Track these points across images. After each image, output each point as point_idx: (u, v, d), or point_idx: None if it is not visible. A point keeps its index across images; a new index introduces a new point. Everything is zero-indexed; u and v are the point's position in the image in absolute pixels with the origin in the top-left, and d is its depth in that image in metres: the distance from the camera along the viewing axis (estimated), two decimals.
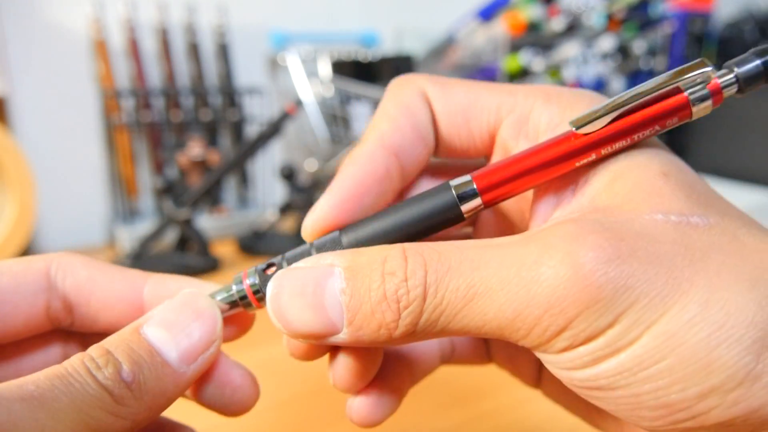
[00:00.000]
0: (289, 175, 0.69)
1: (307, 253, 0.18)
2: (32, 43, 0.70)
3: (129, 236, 0.69)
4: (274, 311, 0.17)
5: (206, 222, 0.74)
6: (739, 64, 0.16)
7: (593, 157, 0.17)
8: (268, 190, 0.85)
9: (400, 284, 0.15)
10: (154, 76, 0.77)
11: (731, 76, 0.16)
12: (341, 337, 0.16)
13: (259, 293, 0.19)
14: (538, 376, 0.23)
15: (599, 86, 0.91)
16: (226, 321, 0.19)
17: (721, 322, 0.13)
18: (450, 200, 0.17)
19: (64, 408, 0.14)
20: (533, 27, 0.84)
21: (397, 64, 0.83)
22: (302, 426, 0.38)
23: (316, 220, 0.19)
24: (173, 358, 0.17)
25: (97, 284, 0.20)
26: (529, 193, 0.19)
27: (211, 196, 0.78)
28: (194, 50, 0.77)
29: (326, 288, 0.16)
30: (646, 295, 0.14)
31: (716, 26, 1.10)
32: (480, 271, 0.15)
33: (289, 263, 0.18)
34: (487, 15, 0.85)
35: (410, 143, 0.19)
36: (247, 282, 0.19)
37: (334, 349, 0.19)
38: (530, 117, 0.19)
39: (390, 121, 0.19)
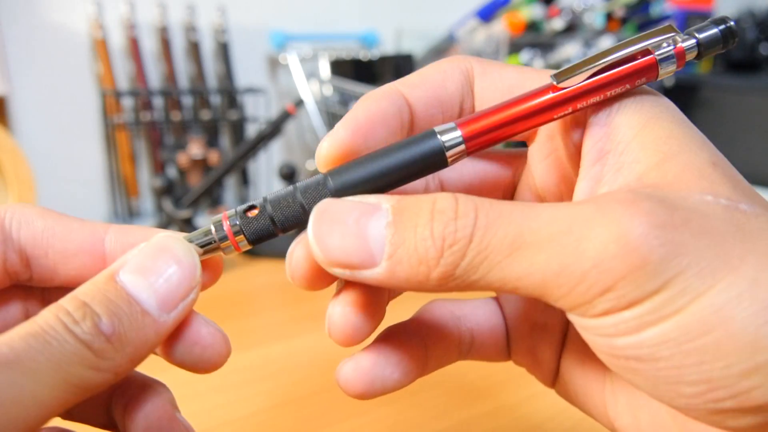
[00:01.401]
0: (289, 175, 0.69)
1: (290, 195, 0.18)
2: (32, 43, 0.70)
3: None
4: (315, 234, 0.16)
5: (206, 222, 0.74)
6: (699, 31, 0.17)
7: (570, 110, 0.18)
8: (268, 190, 0.85)
9: (449, 222, 0.15)
10: (154, 76, 0.77)
11: (693, 41, 0.17)
12: (377, 271, 0.16)
13: (240, 235, 0.18)
14: (555, 372, 0.23)
15: None
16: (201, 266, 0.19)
17: None
18: (436, 146, 0.18)
19: (42, 368, 0.14)
20: (533, 27, 0.84)
21: (397, 64, 0.83)
22: (302, 426, 0.38)
23: (332, 145, 0.18)
24: (152, 306, 0.16)
25: (54, 235, 0.19)
26: (569, 177, 0.20)
27: (211, 196, 0.78)
28: (194, 50, 0.77)
29: (371, 220, 0.16)
30: (697, 265, 0.14)
31: None
32: (531, 221, 0.15)
33: (272, 205, 0.18)
34: (487, 15, 0.85)
35: (426, 100, 0.20)
36: (227, 224, 0.18)
37: (336, 293, 0.19)
38: None
39: (417, 77, 0.20)
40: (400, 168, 0.18)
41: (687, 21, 1.03)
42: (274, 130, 0.63)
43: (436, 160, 0.18)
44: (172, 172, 0.75)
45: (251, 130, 0.80)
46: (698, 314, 0.13)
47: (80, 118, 0.74)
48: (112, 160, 0.72)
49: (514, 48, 0.84)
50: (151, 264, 0.17)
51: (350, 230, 0.16)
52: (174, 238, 0.18)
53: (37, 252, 0.19)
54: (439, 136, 0.18)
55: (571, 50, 0.83)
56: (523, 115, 0.18)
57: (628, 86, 0.17)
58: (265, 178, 0.84)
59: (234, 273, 0.65)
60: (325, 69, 0.80)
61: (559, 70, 0.18)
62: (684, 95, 0.99)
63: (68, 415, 0.20)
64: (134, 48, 0.73)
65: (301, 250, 0.18)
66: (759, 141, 0.91)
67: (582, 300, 0.14)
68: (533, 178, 0.21)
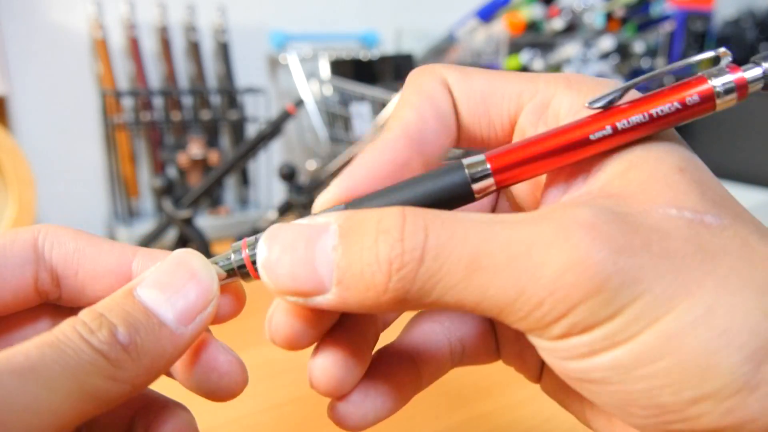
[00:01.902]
0: (289, 175, 0.69)
1: None
2: (32, 43, 0.70)
3: (129, 236, 0.69)
4: (264, 264, 0.16)
5: (206, 222, 0.74)
6: (766, 59, 0.15)
7: (615, 144, 0.16)
8: (268, 190, 0.85)
9: (395, 244, 0.14)
10: (154, 76, 0.77)
11: (760, 71, 0.15)
12: (328, 298, 0.15)
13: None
14: (540, 370, 0.23)
15: None
16: (222, 291, 0.19)
17: (723, 327, 0.13)
18: (462, 179, 0.17)
19: (57, 377, 0.14)
20: (533, 27, 0.84)
21: (397, 64, 0.83)
22: (302, 426, 0.38)
23: (327, 200, 0.18)
24: (170, 318, 0.16)
25: (85, 256, 0.19)
26: (543, 179, 0.19)
27: (211, 196, 0.77)
28: (194, 50, 0.77)
29: (318, 244, 0.15)
30: (652, 292, 0.13)
31: (716, 25, 1.10)
32: (487, 243, 0.14)
33: None
34: (487, 15, 0.85)
35: (433, 132, 0.19)
36: (247, 252, 0.18)
37: (317, 346, 0.19)
38: (551, 103, 0.18)
39: (413, 110, 0.19)
40: (423, 201, 0.17)
41: (687, 21, 1.03)
42: (274, 130, 0.63)
43: (462, 194, 0.17)
44: (172, 172, 0.75)
45: (251, 130, 0.80)
46: (651, 341, 0.13)
47: (80, 118, 0.74)
48: (112, 160, 0.72)
49: (514, 48, 0.84)
50: (169, 278, 0.17)
51: (299, 257, 0.15)
52: (191, 253, 0.18)
53: (67, 272, 0.19)
54: (466, 170, 0.17)
55: (571, 50, 0.83)
56: (558, 148, 0.17)
57: (678, 105, 0.16)
58: (265, 178, 0.84)
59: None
60: (325, 69, 0.80)
61: (594, 98, 0.16)
62: None
63: None
64: (134, 48, 0.73)
65: (280, 315, 0.18)
66: (759, 141, 0.90)
67: (538, 325, 0.14)
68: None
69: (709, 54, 0.16)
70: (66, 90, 0.72)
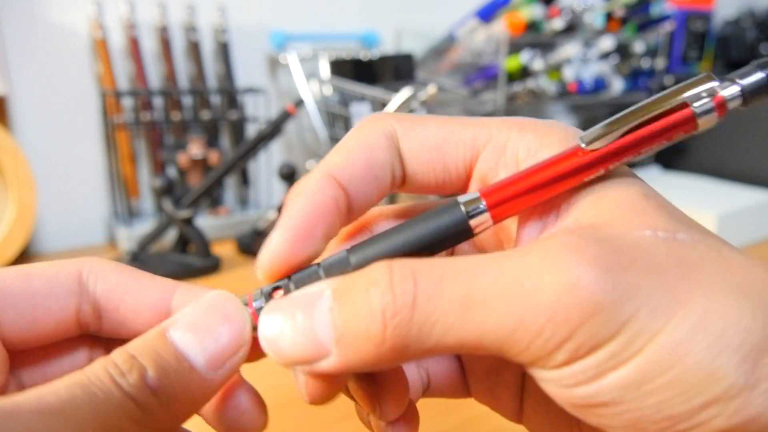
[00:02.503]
0: (289, 175, 0.69)
1: (314, 274, 0.18)
2: (32, 43, 0.70)
3: (129, 236, 0.69)
4: (265, 341, 0.17)
5: (206, 222, 0.74)
6: (742, 77, 0.16)
7: (602, 171, 0.17)
8: (268, 190, 0.85)
9: (384, 292, 0.15)
10: (154, 76, 0.77)
11: (737, 89, 0.16)
12: (331, 360, 0.15)
13: None
14: (519, 409, 0.22)
15: (599, 86, 0.91)
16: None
17: (720, 331, 0.13)
18: (459, 217, 0.17)
19: (86, 418, 0.14)
20: (533, 27, 0.84)
21: (397, 64, 0.83)
22: (302, 426, 0.38)
23: (271, 257, 0.18)
24: (200, 363, 0.16)
25: (127, 290, 0.19)
26: (507, 223, 0.20)
27: (211, 196, 0.78)
28: (194, 50, 0.77)
29: (315, 309, 0.16)
30: (648, 305, 0.14)
31: (716, 25, 1.10)
32: (477, 279, 0.14)
33: (297, 286, 0.18)
34: (487, 15, 0.85)
35: (361, 179, 0.19)
36: (255, 305, 0.18)
37: (359, 389, 0.19)
38: (507, 147, 0.19)
39: (344, 154, 0.19)
40: (422, 241, 0.17)
41: (687, 21, 1.03)
42: (274, 130, 0.63)
43: (460, 232, 0.18)
44: (172, 172, 0.75)
45: (251, 130, 0.80)
46: (655, 354, 0.14)
47: (80, 118, 0.74)
48: (112, 160, 0.72)
49: (514, 48, 0.84)
50: (202, 321, 0.17)
51: (297, 326, 0.16)
52: (226, 296, 0.18)
53: (109, 306, 0.19)
54: (462, 207, 0.17)
55: (571, 50, 0.83)
56: (550, 179, 0.17)
57: (664, 142, 0.17)
58: (265, 178, 0.84)
59: (234, 272, 0.65)
60: (325, 69, 0.80)
61: (586, 132, 0.17)
62: None
63: None
64: (134, 48, 0.73)
65: (303, 377, 0.18)
66: (759, 141, 0.90)
67: (541, 353, 0.14)
68: None
69: (695, 87, 0.16)
70: (66, 90, 0.72)
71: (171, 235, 0.66)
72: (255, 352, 0.19)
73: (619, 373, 0.14)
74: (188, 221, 0.63)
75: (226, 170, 0.63)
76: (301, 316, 0.16)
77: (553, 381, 0.15)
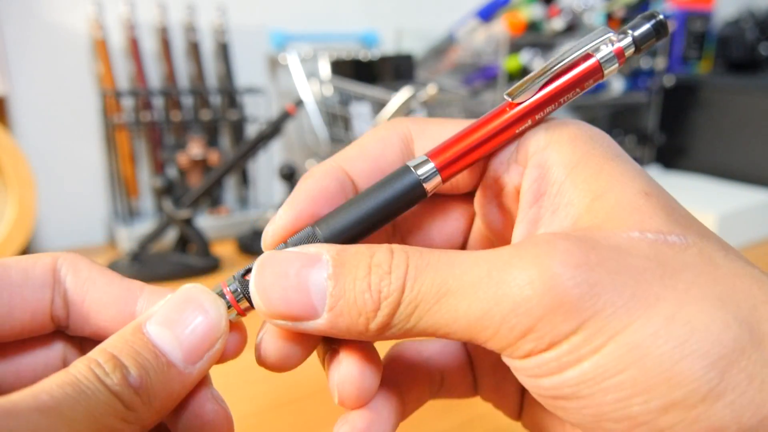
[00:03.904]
0: (289, 175, 0.69)
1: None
2: (32, 43, 0.70)
3: (129, 236, 0.69)
4: (257, 289, 0.17)
5: (206, 222, 0.74)
6: (633, 28, 0.18)
7: (529, 122, 0.19)
8: (268, 190, 0.85)
9: (383, 276, 0.16)
10: (154, 76, 0.77)
11: (629, 39, 0.18)
12: (319, 323, 0.16)
13: (243, 299, 0.19)
14: (519, 407, 0.23)
15: (599, 86, 0.91)
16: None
17: (685, 336, 0.13)
18: (413, 181, 0.19)
19: (79, 417, 0.14)
20: (533, 27, 0.84)
21: (397, 64, 0.83)
22: (302, 426, 0.38)
23: (276, 230, 0.19)
24: (178, 358, 0.17)
25: (95, 285, 0.19)
26: (513, 222, 0.20)
27: (211, 196, 0.78)
28: (194, 50, 0.77)
29: (312, 272, 0.16)
30: (612, 305, 0.14)
31: (716, 25, 1.10)
32: (453, 269, 0.15)
33: None
34: (487, 15, 0.85)
35: (369, 171, 0.20)
36: (229, 290, 0.19)
37: (332, 356, 0.19)
38: (519, 144, 0.19)
39: (357, 149, 0.20)
40: (383, 207, 0.19)
41: (687, 21, 1.03)
42: (274, 130, 0.63)
43: (416, 194, 0.19)
44: (172, 172, 0.75)
45: (251, 130, 0.80)
46: (615, 353, 0.14)
47: (80, 118, 0.74)
48: (112, 160, 0.72)
49: (514, 48, 0.84)
50: (177, 315, 0.17)
51: (292, 282, 0.16)
52: (200, 289, 0.18)
53: (76, 298, 0.19)
54: (414, 171, 0.19)
55: None
56: (487, 137, 0.19)
57: (578, 90, 0.18)
58: (265, 178, 0.84)
59: (234, 272, 0.65)
60: (325, 69, 0.80)
61: (511, 88, 0.19)
62: (684, 95, 0.99)
63: None
64: (134, 48, 0.73)
65: (269, 339, 0.18)
66: (759, 141, 0.90)
67: (506, 342, 0.15)
68: (481, 225, 0.22)
69: (595, 37, 0.18)
70: (66, 90, 0.72)
71: (171, 235, 0.66)
72: (240, 335, 0.19)
73: (579, 369, 0.14)
74: (188, 221, 0.63)
75: (226, 170, 0.63)
76: (295, 275, 0.16)
77: (521, 370, 0.16)
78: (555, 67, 0.18)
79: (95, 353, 0.16)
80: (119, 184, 0.73)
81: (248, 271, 0.19)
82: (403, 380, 0.22)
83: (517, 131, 0.19)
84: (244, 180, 0.83)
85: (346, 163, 0.20)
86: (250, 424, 0.38)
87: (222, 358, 0.19)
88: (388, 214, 0.19)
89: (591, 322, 0.14)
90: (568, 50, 0.18)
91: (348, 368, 0.18)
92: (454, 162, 0.19)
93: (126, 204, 0.74)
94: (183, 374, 0.17)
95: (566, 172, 0.17)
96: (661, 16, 0.18)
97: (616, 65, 0.18)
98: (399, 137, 0.21)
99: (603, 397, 0.14)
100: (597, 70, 0.18)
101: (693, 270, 0.15)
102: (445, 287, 0.15)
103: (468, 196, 0.22)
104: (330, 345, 0.20)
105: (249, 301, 0.18)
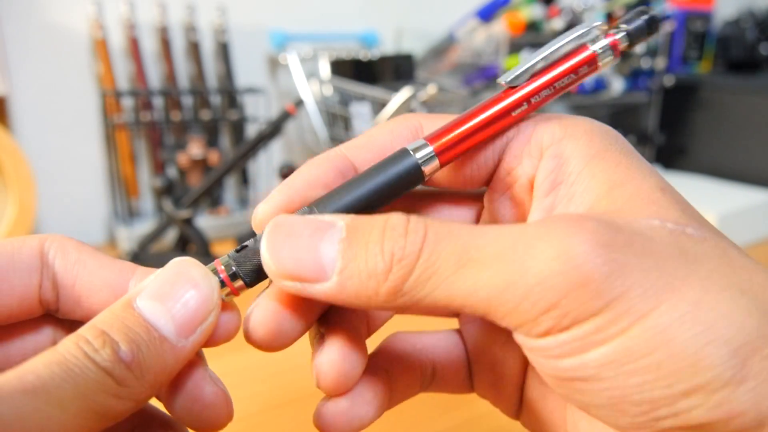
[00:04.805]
0: (289, 175, 0.69)
1: None
2: (32, 43, 0.70)
3: (129, 236, 0.69)
4: (269, 245, 0.16)
5: (206, 222, 0.74)
6: (628, 23, 0.19)
7: (525, 106, 0.19)
8: (268, 190, 0.84)
9: (398, 238, 0.15)
10: (154, 76, 0.77)
11: (623, 33, 0.19)
12: (327, 285, 0.16)
13: (237, 279, 0.18)
14: (518, 405, 0.23)
15: (599, 86, 0.91)
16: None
17: (710, 322, 0.13)
18: (412, 164, 0.19)
19: (68, 396, 0.14)
20: (533, 27, 0.84)
21: (397, 64, 0.83)
22: (302, 426, 0.38)
23: (267, 209, 0.19)
24: (170, 332, 0.16)
25: (85, 267, 0.19)
26: (524, 213, 0.20)
27: (211, 196, 0.78)
28: (194, 50, 0.77)
29: (325, 236, 0.16)
30: (640, 286, 0.14)
31: (716, 25, 1.10)
32: (478, 239, 0.15)
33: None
34: (487, 15, 0.85)
35: (372, 161, 0.20)
36: (222, 268, 0.18)
37: (320, 341, 0.19)
38: (532, 137, 0.19)
39: (364, 139, 0.20)
40: (381, 190, 0.19)
41: (687, 21, 1.03)
42: (274, 130, 0.63)
43: (414, 177, 0.19)
44: (172, 172, 0.75)
45: (251, 130, 0.80)
46: (641, 335, 0.14)
47: (80, 118, 0.74)
48: (112, 160, 0.72)
49: (514, 48, 0.84)
50: (168, 289, 0.17)
51: (303, 244, 0.16)
52: (191, 262, 0.18)
53: (66, 281, 0.19)
54: (413, 154, 0.19)
55: None
56: (486, 122, 0.19)
57: (573, 76, 0.19)
58: (265, 178, 0.84)
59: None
60: (325, 69, 0.80)
61: (506, 74, 0.19)
62: (684, 95, 0.99)
63: None
64: (134, 48, 0.73)
65: (259, 313, 0.18)
66: (759, 141, 0.90)
67: (526, 318, 0.14)
68: (491, 216, 0.22)
69: (582, 31, 0.19)
70: (66, 90, 0.72)
71: (171, 235, 0.66)
72: (229, 327, 0.19)
73: (603, 350, 0.14)
74: (188, 221, 0.63)
75: (226, 170, 0.63)
76: (308, 236, 0.16)
77: (538, 350, 0.15)
78: (548, 52, 0.19)
79: (84, 330, 0.15)
80: (119, 184, 0.74)
81: (243, 247, 0.18)
82: (393, 368, 0.21)
83: (514, 114, 0.19)
84: (244, 180, 0.83)
85: (351, 151, 0.20)
86: (250, 424, 0.38)
87: (216, 339, 0.18)
88: (385, 196, 0.19)
89: (617, 303, 0.14)
90: (562, 36, 0.19)
91: (331, 352, 0.18)
92: (452, 147, 0.19)
93: (126, 204, 0.74)
94: (176, 348, 0.16)
95: (584, 162, 0.17)
96: (654, 13, 0.19)
97: (611, 59, 0.19)
98: (409, 130, 0.21)
99: (626, 380, 0.14)
100: (593, 62, 0.19)
101: (712, 260, 0.15)
102: (467, 256, 0.15)
103: (476, 194, 0.22)
104: (318, 329, 0.19)
105: (243, 279, 0.18)
